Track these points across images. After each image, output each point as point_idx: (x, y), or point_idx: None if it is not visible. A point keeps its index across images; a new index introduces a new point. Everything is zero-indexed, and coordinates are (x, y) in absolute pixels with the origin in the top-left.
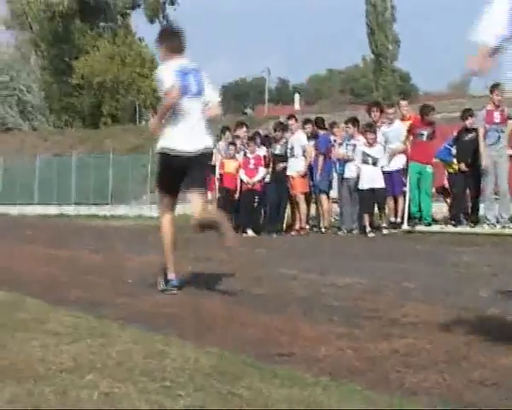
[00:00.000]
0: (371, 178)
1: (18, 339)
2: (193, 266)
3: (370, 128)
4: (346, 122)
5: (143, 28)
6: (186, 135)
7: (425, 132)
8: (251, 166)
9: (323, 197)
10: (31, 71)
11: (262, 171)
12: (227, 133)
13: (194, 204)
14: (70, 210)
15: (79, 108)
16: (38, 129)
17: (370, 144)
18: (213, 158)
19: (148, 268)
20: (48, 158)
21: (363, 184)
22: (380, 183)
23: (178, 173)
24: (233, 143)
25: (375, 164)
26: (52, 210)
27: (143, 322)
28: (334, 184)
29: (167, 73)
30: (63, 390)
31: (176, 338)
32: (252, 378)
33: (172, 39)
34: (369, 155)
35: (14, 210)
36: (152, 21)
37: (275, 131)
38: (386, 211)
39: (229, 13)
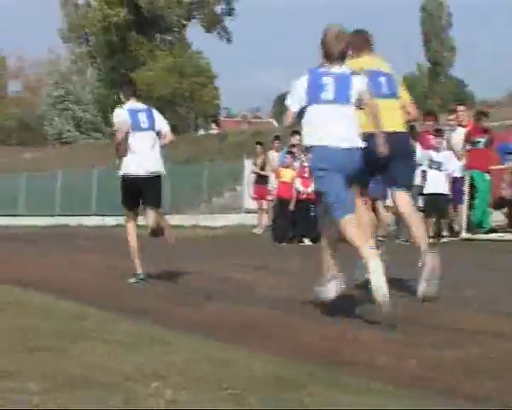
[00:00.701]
0: (436, 184)
1: (82, 348)
2: (250, 275)
3: (438, 133)
4: None
5: (200, 38)
6: (139, 161)
7: (482, 140)
8: (306, 174)
9: (380, 205)
10: (86, 84)
11: None
12: (276, 143)
13: (148, 217)
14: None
15: None
16: (94, 142)
17: (436, 149)
18: (266, 168)
19: (206, 278)
20: (104, 169)
21: (428, 189)
22: (443, 189)
23: (135, 192)
24: (290, 152)
25: (440, 169)
26: (109, 221)
27: (204, 331)
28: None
29: (121, 113)
30: (129, 398)
31: (238, 346)
32: (316, 386)
33: (129, 86)
34: (435, 161)
35: (73, 221)
36: (209, 32)
37: None
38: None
39: (288, 16)
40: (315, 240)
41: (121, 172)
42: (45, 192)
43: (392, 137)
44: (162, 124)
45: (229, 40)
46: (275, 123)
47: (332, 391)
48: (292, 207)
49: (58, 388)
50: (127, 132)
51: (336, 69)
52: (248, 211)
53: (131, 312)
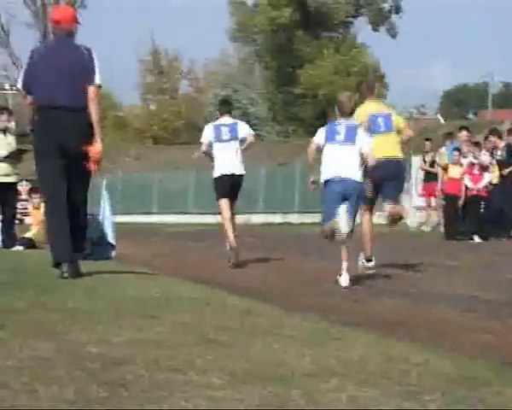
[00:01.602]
0: None
1: (258, 343)
2: (421, 272)
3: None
4: None
5: (367, 36)
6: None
7: None
8: (476, 171)
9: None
10: (254, 83)
11: (487, 176)
12: (447, 141)
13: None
14: (294, 218)
15: (303, 117)
16: (263, 139)
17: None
18: (434, 165)
19: (376, 275)
20: (272, 167)
21: None
22: None
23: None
24: (457, 149)
25: None
26: (276, 218)
27: (374, 327)
28: None
29: (206, 129)
30: (310, 393)
31: (411, 343)
32: (500, 385)
33: (223, 106)
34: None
35: (240, 219)
36: (376, 30)
37: (486, 138)
38: None
39: (451, 16)
40: (485, 237)
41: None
42: (211, 189)
43: (385, 162)
44: (244, 132)
45: (393, 36)
46: (441, 119)
47: None
48: (461, 203)
49: (237, 382)
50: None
51: (347, 121)
52: (417, 208)
53: (302, 309)
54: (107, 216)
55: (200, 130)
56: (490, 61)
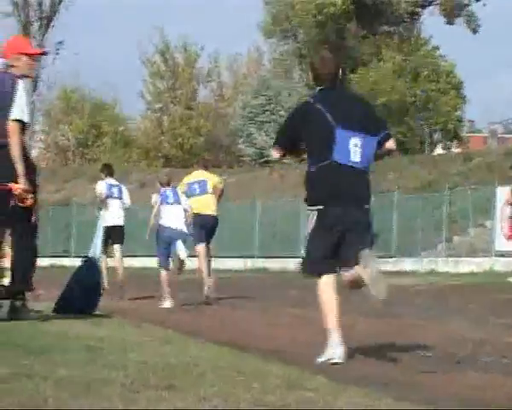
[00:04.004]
0: None
1: None
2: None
3: None
4: None
5: (437, 32)
6: None
7: None
8: None
9: None
10: (293, 89)
11: None
12: None
13: None
14: None
15: None
16: (304, 161)
17: None
18: None
19: (451, 339)
20: None
21: None
22: None
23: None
24: None
25: None
26: None
27: (456, 406)
28: None
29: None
30: None
31: None
32: None
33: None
34: None
35: (274, 264)
36: (450, 22)
37: None
38: None
39: None
40: None
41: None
42: (240, 227)
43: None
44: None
45: (474, 31)
46: None
47: None
48: None
49: None
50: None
51: None
52: (501, 254)
53: (358, 380)
54: (97, 258)
55: (223, 148)
56: None
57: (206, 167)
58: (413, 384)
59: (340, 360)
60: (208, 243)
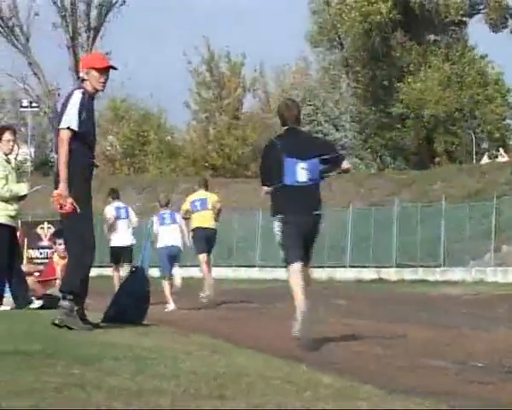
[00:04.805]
0: None
1: None
2: None
3: None
4: None
5: (484, 39)
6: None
7: None
8: None
9: None
10: (341, 98)
11: None
12: None
13: None
14: (391, 274)
15: (402, 144)
16: (350, 172)
17: None
18: None
19: (500, 349)
20: (363, 208)
21: None
22: None
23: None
24: None
25: None
26: (368, 274)
27: None
28: None
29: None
30: None
31: None
32: None
33: None
34: None
35: (322, 274)
36: (495, 31)
37: None
38: None
39: None
40: None
41: None
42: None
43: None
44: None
45: None
46: None
47: None
48: None
49: None
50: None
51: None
52: None
53: (407, 391)
54: (145, 267)
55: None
56: None
57: (206, 187)
58: (464, 394)
59: (298, 335)
60: (209, 253)
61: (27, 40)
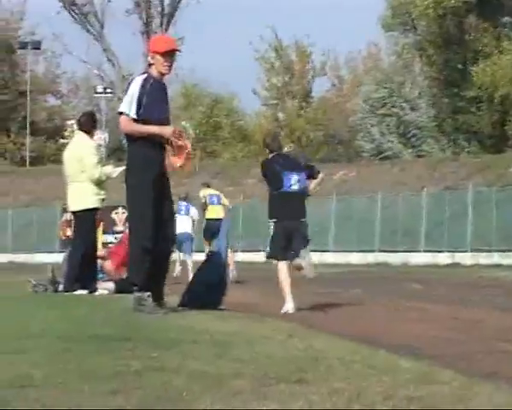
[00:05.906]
0: None
1: None
2: None
3: None
4: None
5: None
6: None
7: None
8: None
9: None
10: (415, 82)
11: None
12: None
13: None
14: (466, 258)
15: (477, 127)
16: (424, 156)
17: None
18: None
19: None
20: (437, 193)
21: None
22: None
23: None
24: None
25: None
26: (442, 259)
27: None
28: None
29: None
30: None
31: None
32: None
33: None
34: None
35: (396, 258)
36: None
37: None
38: None
39: None
40: None
41: None
42: (360, 221)
43: None
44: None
45: None
46: None
47: None
48: None
49: None
50: None
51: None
52: None
53: (487, 376)
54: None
55: (343, 142)
56: None
57: (208, 186)
58: None
59: (291, 311)
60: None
61: (102, 27)
